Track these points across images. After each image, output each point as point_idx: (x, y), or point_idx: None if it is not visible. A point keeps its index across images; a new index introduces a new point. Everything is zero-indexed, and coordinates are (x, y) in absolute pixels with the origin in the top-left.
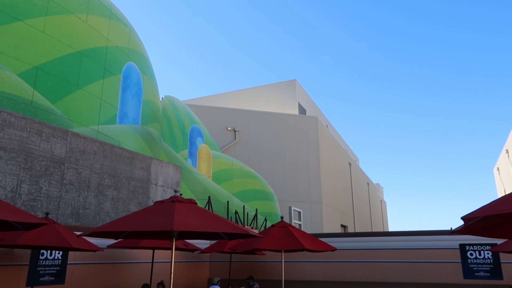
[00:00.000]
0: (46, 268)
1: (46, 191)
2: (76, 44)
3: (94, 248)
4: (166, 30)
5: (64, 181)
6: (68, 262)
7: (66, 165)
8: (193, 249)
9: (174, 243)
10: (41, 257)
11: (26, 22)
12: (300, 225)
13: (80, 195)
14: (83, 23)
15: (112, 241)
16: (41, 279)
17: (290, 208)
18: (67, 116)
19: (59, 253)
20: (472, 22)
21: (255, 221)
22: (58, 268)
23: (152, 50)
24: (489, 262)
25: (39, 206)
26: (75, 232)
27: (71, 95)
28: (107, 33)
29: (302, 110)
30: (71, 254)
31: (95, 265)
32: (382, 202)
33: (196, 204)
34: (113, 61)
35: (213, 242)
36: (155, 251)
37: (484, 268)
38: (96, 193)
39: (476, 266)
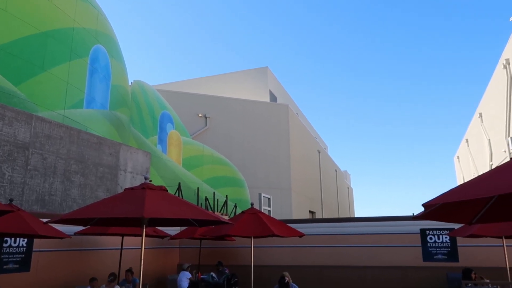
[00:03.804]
0: (10, 256)
1: (9, 177)
2: (41, 24)
3: (61, 235)
4: (136, 13)
5: (29, 167)
6: (34, 250)
7: (31, 150)
8: (162, 235)
9: (144, 230)
10: (4, 245)
11: None
12: (269, 211)
13: (46, 181)
14: (48, 3)
15: (79, 228)
16: (4, 266)
17: (260, 194)
18: (31, 100)
19: (23, 241)
20: (447, 10)
21: (225, 208)
22: (23, 255)
23: (121, 33)
24: (447, 245)
25: (2, 192)
26: (42, 219)
27: (35, 77)
28: (74, 14)
29: (273, 98)
30: (36, 241)
31: (62, 252)
32: (349, 189)
33: (167, 191)
34: (80, 43)
35: (183, 228)
36: (124, 237)
37: (442, 251)
38: (63, 179)
39: (435, 249)
